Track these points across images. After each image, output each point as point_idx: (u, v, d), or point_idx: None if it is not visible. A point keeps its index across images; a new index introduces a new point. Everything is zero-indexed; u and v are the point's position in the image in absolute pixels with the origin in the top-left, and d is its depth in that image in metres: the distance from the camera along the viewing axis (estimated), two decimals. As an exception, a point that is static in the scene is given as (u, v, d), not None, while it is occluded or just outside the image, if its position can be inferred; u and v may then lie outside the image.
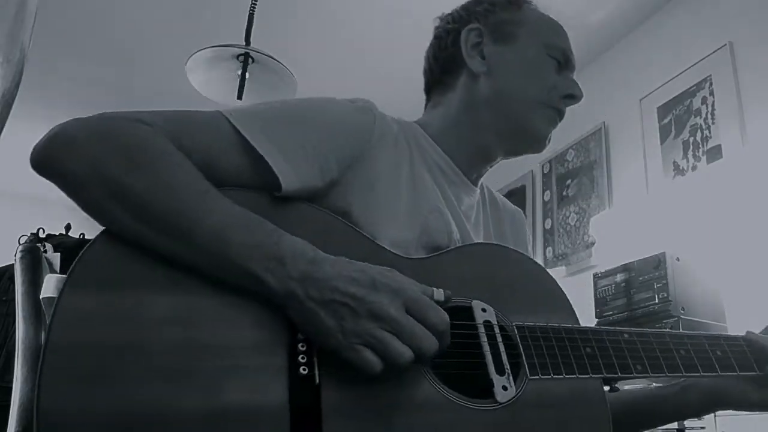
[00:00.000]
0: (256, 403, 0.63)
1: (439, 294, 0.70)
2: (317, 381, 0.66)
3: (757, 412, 0.91)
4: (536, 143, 0.99)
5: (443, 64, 1.02)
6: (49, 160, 0.70)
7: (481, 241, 1.00)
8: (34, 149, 0.71)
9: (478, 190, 1.03)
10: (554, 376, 0.75)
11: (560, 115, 0.99)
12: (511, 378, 0.73)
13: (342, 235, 0.78)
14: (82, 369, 0.60)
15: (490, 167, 1.03)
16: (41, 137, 0.71)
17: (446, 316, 0.68)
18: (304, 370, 0.66)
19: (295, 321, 0.67)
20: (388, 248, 0.80)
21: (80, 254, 0.66)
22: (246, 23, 2.53)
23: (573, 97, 0.99)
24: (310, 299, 0.65)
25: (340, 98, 0.88)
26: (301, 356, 0.66)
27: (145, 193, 0.68)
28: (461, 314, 0.76)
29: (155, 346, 0.63)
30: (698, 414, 0.94)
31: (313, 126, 0.81)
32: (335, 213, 0.80)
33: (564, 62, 0.99)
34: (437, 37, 1.04)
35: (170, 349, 0.63)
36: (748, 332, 0.92)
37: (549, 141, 1.00)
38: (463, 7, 1.03)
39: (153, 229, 0.67)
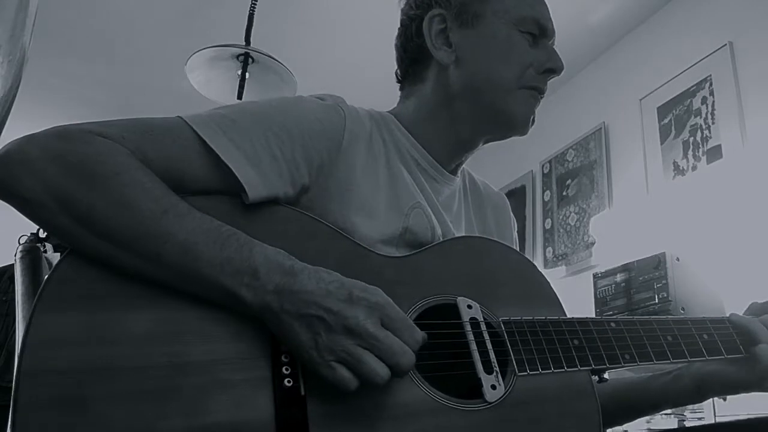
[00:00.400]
0: (241, 418, 0.62)
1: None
2: (302, 392, 0.65)
3: (758, 412, 0.90)
4: (520, 127, 0.95)
5: (411, 56, 0.97)
6: (1, 182, 0.66)
7: (462, 233, 0.98)
8: None
9: (458, 178, 1.01)
10: (542, 371, 0.75)
11: (541, 92, 0.94)
12: (499, 376, 0.73)
13: (321, 236, 0.77)
14: (59, 395, 0.58)
15: (471, 155, 1.00)
16: None
17: (420, 336, 0.66)
18: (288, 382, 0.65)
19: (274, 333, 0.66)
20: (369, 248, 0.78)
21: (49, 273, 0.64)
22: (246, 23, 2.53)
23: (552, 71, 0.93)
24: (285, 312, 0.64)
25: (308, 96, 0.86)
26: (284, 368, 0.65)
27: (105, 214, 0.65)
28: (447, 312, 0.76)
29: (134, 365, 0.61)
30: (692, 401, 0.93)
31: (282, 129, 0.78)
32: None
33: (540, 32, 0.93)
34: (402, 25, 0.99)
35: (149, 368, 0.61)
36: (732, 314, 0.91)
37: (533, 122, 0.96)
38: None
39: (119, 249, 0.65)
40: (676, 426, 1.87)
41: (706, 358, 0.85)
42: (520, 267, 0.87)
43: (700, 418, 1.87)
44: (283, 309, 0.64)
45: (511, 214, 1.12)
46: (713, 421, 1.82)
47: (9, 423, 0.56)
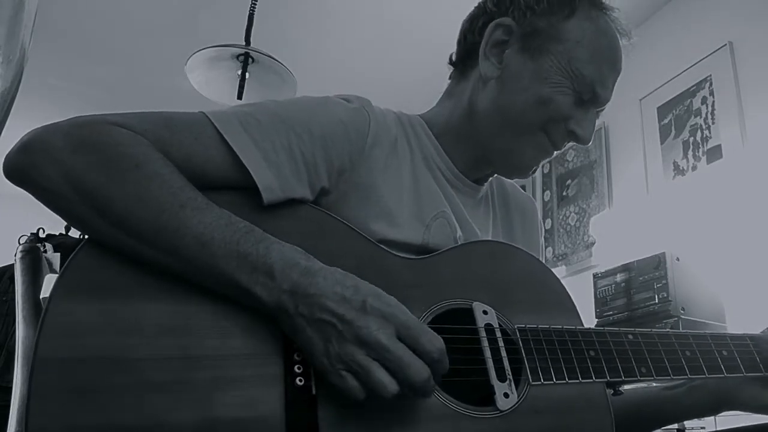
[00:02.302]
0: (251, 414, 0.61)
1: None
2: (314, 392, 0.64)
3: (760, 414, 0.89)
4: (518, 171, 0.92)
5: (468, 47, 0.93)
6: (22, 170, 0.66)
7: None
8: (6, 157, 0.67)
9: (485, 187, 0.98)
10: (557, 382, 0.73)
11: (556, 147, 0.90)
12: (512, 384, 0.71)
13: (339, 236, 0.76)
14: (72, 384, 0.58)
15: (494, 171, 0.97)
16: (14, 144, 0.68)
17: (440, 343, 0.64)
18: (300, 381, 0.64)
19: (286, 333, 0.66)
20: (387, 249, 0.77)
21: (67, 261, 0.64)
22: (246, 23, 2.53)
23: (575, 137, 0.88)
24: (299, 315, 0.63)
25: (334, 96, 0.84)
26: (297, 366, 0.65)
27: (124, 205, 0.65)
28: (462, 316, 0.75)
29: (147, 357, 0.61)
30: (706, 414, 0.91)
31: (304, 131, 0.77)
32: None
33: (590, 98, 0.87)
34: (477, 9, 0.94)
35: (162, 361, 0.61)
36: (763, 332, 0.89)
37: (534, 171, 0.93)
38: None
39: (136, 240, 0.65)
40: (675, 428, 1.86)
41: (724, 375, 0.83)
42: (539, 274, 0.85)
43: (702, 428, 1.86)
44: (298, 312, 0.63)
45: (539, 218, 1.10)
46: (714, 422, 1.82)
47: (19, 410, 0.57)
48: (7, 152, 0.67)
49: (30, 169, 0.66)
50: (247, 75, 2.47)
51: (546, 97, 0.85)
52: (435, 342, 0.64)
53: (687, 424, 1.87)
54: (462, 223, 0.90)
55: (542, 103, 0.86)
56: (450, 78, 0.98)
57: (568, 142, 0.90)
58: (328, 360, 0.62)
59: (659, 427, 0.97)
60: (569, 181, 3.38)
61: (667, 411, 0.93)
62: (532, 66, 0.86)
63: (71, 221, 0.68)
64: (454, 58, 0.97)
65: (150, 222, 0.65)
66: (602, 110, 0.92)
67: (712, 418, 1.83)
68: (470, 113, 0.91)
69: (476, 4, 0.95)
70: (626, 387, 0.89)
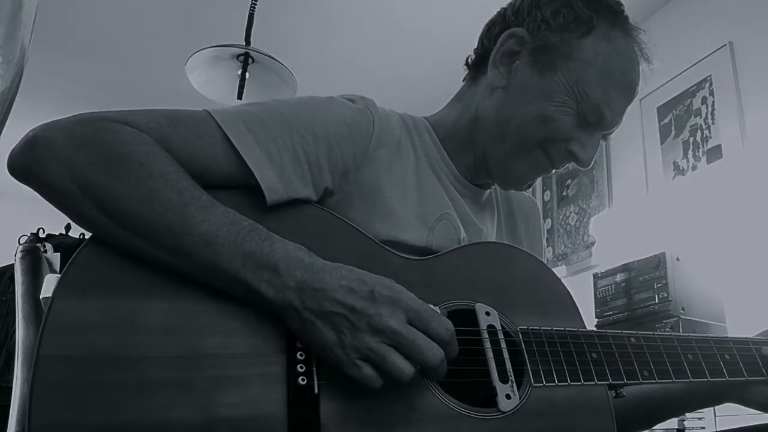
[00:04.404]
0: (253, 414, 0.62)
1: (435, 309, 0.68)
2: (316, 391, 0.64)
3: (760, 413, 0.90)
4: (512, 184, 0.92)
5: (482, 53, 0.92)
6: (26, 167, 0.66)
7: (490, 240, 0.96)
8: (10, 154, 0.67)
9: (488, 191, 0.98)
10: (559, 383, 0.73)
11: (554, 166, 0.89)
12: (514, 386, 0.72)
13: (342, 234, 0.76)
14: (75, 381, 0.58)
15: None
16: (18, 141, 0.68)
17: (450, 325, 0.65)
18: (302, 380, 0.64)
19: (293, 331, 0.66)
20: (390, 249, 0.77)
21: (71, 259, 0.64)
22: (246, 23, 2.53)
23: (575, 158, 0.87)
24: (307, 310, 0.63)
25: (338, 97, 0.84)
26: (299, 365, 0.65)
27: (129, 204, 0.65)
28: (464, 318, 0.75)
29: (149, 355, 0.61)
30: (708, 405, 0.93)
31: (308, 131, 0.77)
32: None
33: (596, 120, 0.85)
34: (498, 14, 0.93)
35: (165, 359, 0.61)
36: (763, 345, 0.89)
37: (530, 186, 0.93)
38: (533, 3, 0.88)
39: (141, 239, 0.65)
40: (676, 425, 1.87)
41: (726, 379, 0.84)
42: (541, 276, 0.85)
43: (699, 418, 1.87)
44: (306, 307, 0.63)
45: (541, 220, 1.11)
46: (713, 420, 1.83)
47: (19, 410, 0.57)
48: (12, 148, 0.67)
49: (34, 165, 0.66)
50: (247, 75, 2.47)
51: (547, 115, 0.84)
52: (445, 325, 0.65)
53: (687, 423, 1.88)
54: (467, 224, 0.90)
55: (542, 121, 0.84)
56: (464, 81, 0.97)
57: (568, 162, 0.89)
58: (342, 351, 0.62)
59: (657, 423, 0.98)
60: (569, 181, 3.38)
61: (666, 407, 0.94)
62: (538, 81, 0.85)
63: (75, 218, 0.68)
64: (470, 61, 0.96)
65: (155, 220, 0.65)
66: (610, 134, 0.90)
67: (713, 418, 1.84)
68: (475, 119, 0.91)
69: (498, 11, 0.94)
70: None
